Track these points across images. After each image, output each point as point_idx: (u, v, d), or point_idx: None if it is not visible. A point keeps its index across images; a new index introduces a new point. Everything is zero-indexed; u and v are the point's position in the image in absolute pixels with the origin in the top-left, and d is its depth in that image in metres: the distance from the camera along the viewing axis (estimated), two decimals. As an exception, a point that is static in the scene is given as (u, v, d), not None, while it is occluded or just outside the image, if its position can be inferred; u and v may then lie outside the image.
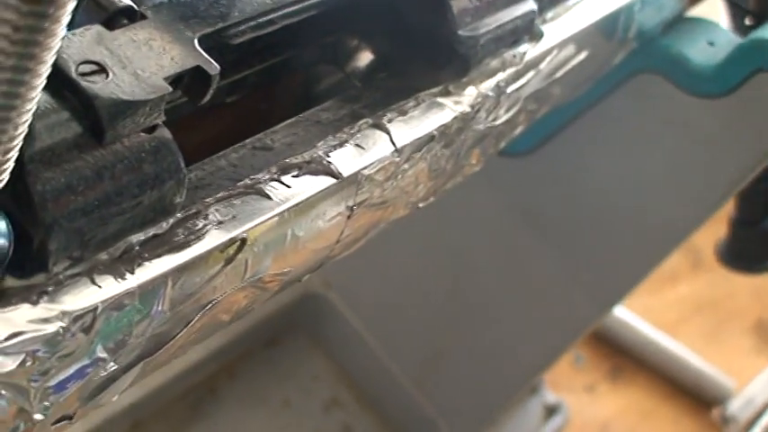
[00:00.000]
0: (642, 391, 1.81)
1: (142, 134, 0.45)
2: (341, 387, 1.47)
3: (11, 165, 0.39)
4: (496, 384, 1.34)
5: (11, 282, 0.43)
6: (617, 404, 1.77)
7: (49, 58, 0.36)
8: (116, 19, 0.48)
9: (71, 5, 0.34)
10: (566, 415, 1.54)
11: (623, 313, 1.82)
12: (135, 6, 0.49)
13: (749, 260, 1.32)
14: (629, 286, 1.16)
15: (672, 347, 1.84)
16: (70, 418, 0.48)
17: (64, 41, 0.44)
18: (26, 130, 0.39)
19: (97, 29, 0.46)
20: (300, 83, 0.67)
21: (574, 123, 1.03)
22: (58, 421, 0.47)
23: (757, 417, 1.78)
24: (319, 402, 1.45)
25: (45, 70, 0.37)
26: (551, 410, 1.52)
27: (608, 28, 0.79)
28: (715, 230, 1.31)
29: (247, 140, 0.55)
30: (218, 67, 0.48)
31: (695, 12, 0.99)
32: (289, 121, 0.58)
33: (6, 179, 0.40)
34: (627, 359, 1.83)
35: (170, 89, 0.45)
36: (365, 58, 0.66)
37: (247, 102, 0.62)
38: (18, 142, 0.38)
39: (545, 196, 1.14)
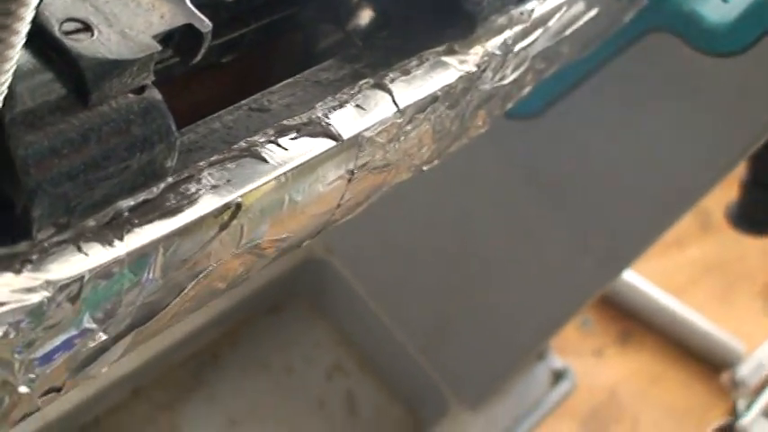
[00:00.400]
0: (651, 355, 1.80)
1: (130, 95, 0.43)
2: (344, 353, 1.46)
3: (-10, 128, 0.37)
4: (502, 350, 1.33)
5: (-7, 250, 0.41)
6: (625, 368, 1.76)
7: (28, 14, 0.34)
8: (103, -26, 0.46)
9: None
10: (573, 380, 1.52)
11: (632, 277, 1.81)
12: (124, -39, 0.46)
13: (760, 223, 1.31)
14: (638, 250, 1.14)
15: (681, 311, 1.82)
16: (59, 389, 0.47)
17: (46, -2, 0.42)
18: (5, 92, 0.37)
19: (82, -16, 0.44)
20: (300, 42, 0.65)
21: (582, 85, 1.00)
22: (46, 393, 0.46)
23: (767, 380, 1.77)
24: (322, 369, 1.44)
25: (23, 27, 0.35)
26: (558, 376, 1.50)
27: (618, -17, 0.76)
28: (725, 193, 1.30)
29: (243, 102, 0.53)
30: (210, 24, 0.46)
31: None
32: (286, 81, 0.56)
33: (-14, 143, 0.38)
34: (635, 323, 1.82)
35: (159, 48, 0.43)
36: (367, 15, 0.63)
37: (244, 62, 0.60)
38: (-3, 104, 0.37)
39: (553, 159, 1.12)
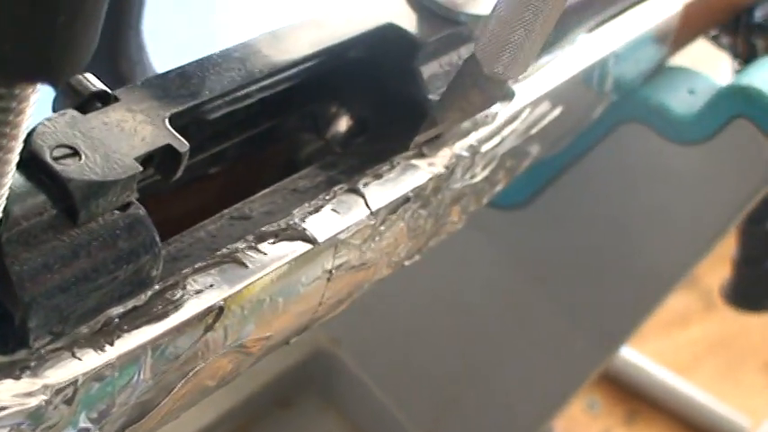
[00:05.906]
0: (659, 435, 1.80)
1: (116, 212, 0.47)
2: (355, 444, 1.46)
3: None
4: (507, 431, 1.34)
5: (-5, 358, 0.45)
6: (634, 449, 1.76)
7: (17, 146, 0.38)
8: (90, 103, 0.50)
9: (34, 99, 0.36)
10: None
11: (637, 357, 1.82)
12: (108, 90, 0.51)
13: (754, 300, 1.33)
14: (629, 329, 1.16)
15: (686, 389, 1.83)
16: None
17: (39, 128, 0.46)
18: (2, 210, 0.41)
19: (71, 113, 0.48)
20: (282, 151, 0.69)
21: (563, 175, 1.04)
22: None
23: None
24: (335, 462, 1.45)
25: (13, 157, 0.38)
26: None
27: (581, 84, 0.80)
28: (726, 271, 1.32)
29: (225, 211, 0.57)
30: (187, 144, 0.50)
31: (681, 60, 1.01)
32: (266, 190, 0.60)
33: (-16, 261, 0.42)
34: (642, 403, 1.82)
35: (140, 168, 0.47)
36: (344, 123, 0.68)
37: (231, 172, 0.64)
38: (-6, 226, 0.41)
39: (541, 245, 1.15)
